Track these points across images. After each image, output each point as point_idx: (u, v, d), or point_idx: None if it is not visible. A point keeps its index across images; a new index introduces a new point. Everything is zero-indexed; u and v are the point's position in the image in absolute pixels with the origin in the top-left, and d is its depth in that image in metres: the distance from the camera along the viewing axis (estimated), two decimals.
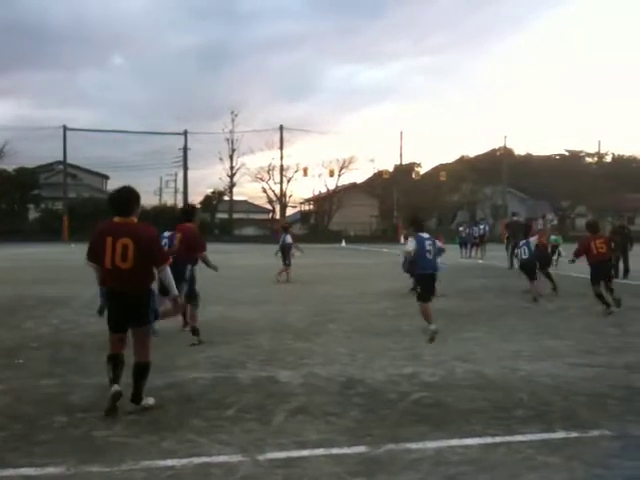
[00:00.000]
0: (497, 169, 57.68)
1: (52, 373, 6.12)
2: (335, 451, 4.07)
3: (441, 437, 4.36)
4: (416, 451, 4.10)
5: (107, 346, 5.13)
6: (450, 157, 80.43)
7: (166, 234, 8.41)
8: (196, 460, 3.87)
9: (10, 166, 52.81)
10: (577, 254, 10.84)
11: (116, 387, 4.82)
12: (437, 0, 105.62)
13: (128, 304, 4.92)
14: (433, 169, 65.49)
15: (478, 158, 63.71)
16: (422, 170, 63.69)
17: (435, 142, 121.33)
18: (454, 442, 4.27)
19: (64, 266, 16.00)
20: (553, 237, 16.89)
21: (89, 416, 4.73)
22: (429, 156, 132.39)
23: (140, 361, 5.00)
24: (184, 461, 3.85)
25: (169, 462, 3.84)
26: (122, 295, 4.93)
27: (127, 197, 5.06)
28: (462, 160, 65.18)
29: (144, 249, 4.86)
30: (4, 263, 21.57)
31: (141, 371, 4.98)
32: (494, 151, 64.63)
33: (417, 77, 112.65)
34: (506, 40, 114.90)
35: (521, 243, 12.64)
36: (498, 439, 4.34)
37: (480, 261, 24.26)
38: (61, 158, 52.71)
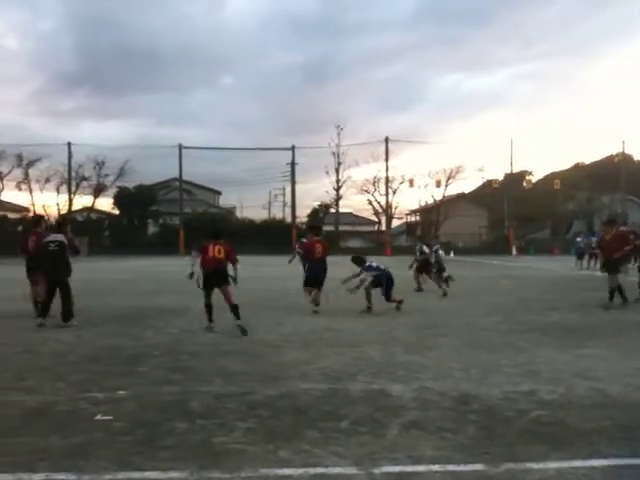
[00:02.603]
0: (615, 176, 54.74)
1: (172, 380, 6.39)
2: (451, 468, 3.98)
3: (562, 457, 4.16)
4: (537, 471, 3.93)
5: (222, 355, 5.35)
6: (564, 164, 77.21)
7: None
8: (312, 470, 3.91)
9: (130, 184, 56.26)
10: None
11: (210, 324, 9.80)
12: (544, 7, 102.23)
13: (218, 275, 9.72)
14: (546, 177, 63.24)
15: (594, 165, 60.81)
16: (534, 178, 61.58)
17: (547, 149, 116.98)
18: (577, 463, 4.06)
19: (179, 278, 16.70)
20: None
21: (208, 423, 4.90)
22: (541, 164, 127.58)
23: (231, 303, 9.64)
24: (300, 471, 3.90)
25: (286, 471, 3.90)
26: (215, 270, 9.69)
27: (219, 229, 10.69)
28: (577, 167, 62.56)
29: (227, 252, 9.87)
30: (125, 275, 22.90)
31: (234, 308, 9.55)
32: (611, 157, 61.52)
33: (525, 84, 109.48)
34: (620, 46, 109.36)
35: None
36: (624, 461, 4.09)
37: (599, 273, 23.01)
38: (177, 175, 55.32)
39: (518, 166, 59.23)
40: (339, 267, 12.99)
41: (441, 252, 17.12)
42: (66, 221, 14.09)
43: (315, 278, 12.59)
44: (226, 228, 48.23)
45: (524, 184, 59.79)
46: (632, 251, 12.77)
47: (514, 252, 48.40)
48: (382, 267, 12.41)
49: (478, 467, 4.00)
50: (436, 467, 3.99)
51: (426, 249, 16.76)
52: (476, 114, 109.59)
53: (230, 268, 10.00)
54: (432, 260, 16.47)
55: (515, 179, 58.32)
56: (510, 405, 5.44)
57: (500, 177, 58.79)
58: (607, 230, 13.30)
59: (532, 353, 7.82)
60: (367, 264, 12.35)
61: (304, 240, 16.06)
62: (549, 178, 60.72)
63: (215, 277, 9.87)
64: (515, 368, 6.96)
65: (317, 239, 13.22)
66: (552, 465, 4.02)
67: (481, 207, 63.47)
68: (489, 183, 59.06)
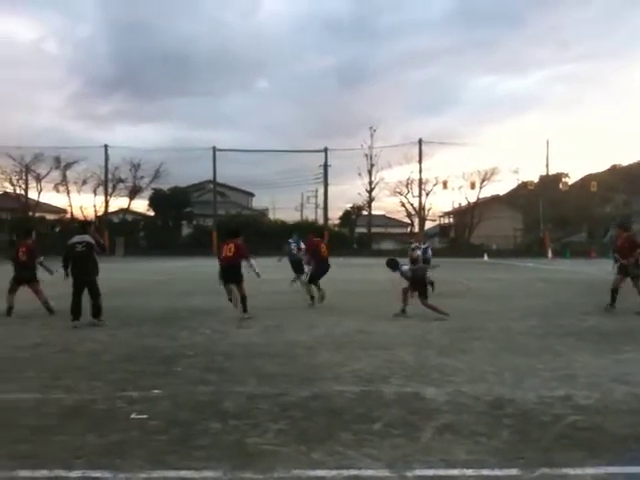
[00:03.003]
0: None
1: (206, 380, 6.44)
2: (485, 472, 3.94)
3: (599, 463, 4.08)
4: (574, 477, 3.87)
5: (256, 356, 6.11)
6: (601, 167, 75.82)
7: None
8: (345, 472, 3.90)
9: (165, 186, 56.99)
10: None
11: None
12: (581, 8, 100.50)
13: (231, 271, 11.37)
14: (582, 179, 62.16)
15: (632, 167, 59.51)
16: (570, 181, 60.55)
17: (583, 151, 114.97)
18: (614, 469, 3.98)
19: (213, 279, 16.98)
20: None
21: (241, 423, 4.93)
22: (577, 166, 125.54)
23: (242, 294, 11.32)
24: (333, 472, 3.90)
25: (319, 472, 3.90)
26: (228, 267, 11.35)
27: (235, 229, 11.98)
28: (614, 169, 61.30)
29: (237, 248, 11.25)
30: (160, 276, 23.19)
31: (243, 299, 11.23)
32: None
33: (561, 86, 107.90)
34: None
35: None
36: None
37: None
38: (211, 177, 55.84)
39: (554, 168, 58.41)
40: (370, 269, 12.97)
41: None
42: (90, 223, 14.98)
43: (322, 275, 13.96)
44: (259, 229, 48.45)
45: (560, 186, 58.78)
46: None
47: (549, 255, 47.69)
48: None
49: (513, 472, 3.95)
50: (470, 471, 3.95)
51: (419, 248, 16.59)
52: (511, 116, 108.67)
53: (247, 264, 11.61)
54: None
55: (551, 181, 57.45)
56: (545, 410, 5.36)
57: (535, 179, 57.91)
58: (619, 234, 13.34)
59: (568, 357, 7.69)
60: (401, 266, 12.24)
61: (292, 241, 17.75)
62: (585, 180, 59.68)
63: (229, 273, 11.42)
64: (551, 372, 6.86)
65: (319, 240, 14.98)
66: (589, 471, 3.95)
67: (516, 209, 62.70)
68: (524, 185, 58.23)
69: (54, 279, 11.62)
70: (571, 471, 3.95)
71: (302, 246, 16.38)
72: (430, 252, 17.61)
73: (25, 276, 11.92)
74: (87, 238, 10.71)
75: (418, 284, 11.76)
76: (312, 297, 13.69)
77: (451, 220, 70.34)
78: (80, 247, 10.54)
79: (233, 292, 11.49)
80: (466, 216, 59.27)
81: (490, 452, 4.30)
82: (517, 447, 4.40)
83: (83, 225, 11.96)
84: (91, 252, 10.63)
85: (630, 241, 12.66)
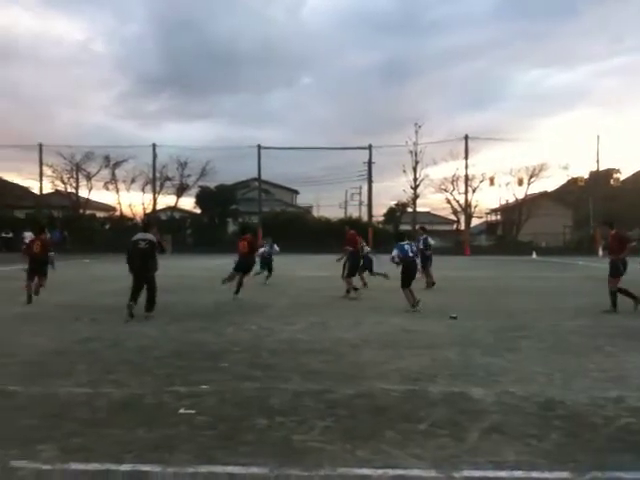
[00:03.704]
0: None
1: (252, 376, 6.50)
2: (535, 475, 3.87)
3: None
4: None
5: (301, 353, 6.33)
6: None
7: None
8: (391, 472, 3.88)
9: (211, 183, 57.63)
10: None
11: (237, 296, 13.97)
12: (636, 1, 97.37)
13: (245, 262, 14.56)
14: (635, 175, 60.25)
15: None
16: (622, 176, 58.79)
17: (636, 147, 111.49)
18: None
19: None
20: None
21: (287, 420, 4.96)
22: (629, 161, 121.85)
23: (241, 282, 14.51)
24: (379, 472, 3.88)
25: (365, 471, 3.90)
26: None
27: (245, 226, 15.08)
28: None
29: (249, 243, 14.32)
30: (206, 273, 23.44)
31: (240, 285, 14.31)
32: None
33: (612, 79, 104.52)
34: None
35: None
36: None
37: None
38: (255, 175, 56.25)
39: (605, 164, 56.78)
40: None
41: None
42: (152, 221, 16.45)
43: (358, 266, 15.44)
44: (303, 226, 48.54)
45: (611, 182, 57.14)
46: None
47: (600, 253, 46.50)
48: (411, 254, 12.60)
49: (564, 475, 3.87)
50: (519, 473, 3.88)
51: (431, 241, 18.23)
52: (560, 111, 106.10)
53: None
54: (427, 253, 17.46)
55: (602, 177, 55.89)
56: (597, 411, 5.23)
57: (585, 175, 56.41)
58: (607, 232, 13.18)
59: (620, 358, 7.49)
60: (402, 243, 12.66)
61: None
62: (638, 176, 57.95)
63: (243, 263, 14.77)
64: (602, 373, 6.69)
65: (354, 232, 15.93)
66: None
67: (565, 206, 61.28)
68: (574, 181, 56.82)
69: (118, 274, 12.01)
70: (624, 475, 3.86)
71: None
72: (427, 244, 17.96)
73: (36, 268, 13.19)
74: (149, 236, 11.31)
75: (407, 270, 12.41)
76: (355, 288, 14.82)
77: (498, 217, 69.19)
78: (143, 244, 11.13)
79: (236, 278, 14.56)
80: (514, 213, 58.16)
81: (540, 454, 4.22)
82: (568, 449, 4.31)
83: (146, 224, 13.24)
84: (152, 249, 11.22)
85: (618, 238, 12.40)
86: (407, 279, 12.37)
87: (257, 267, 17.74)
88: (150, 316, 10.84)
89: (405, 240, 12.80)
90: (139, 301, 10.90)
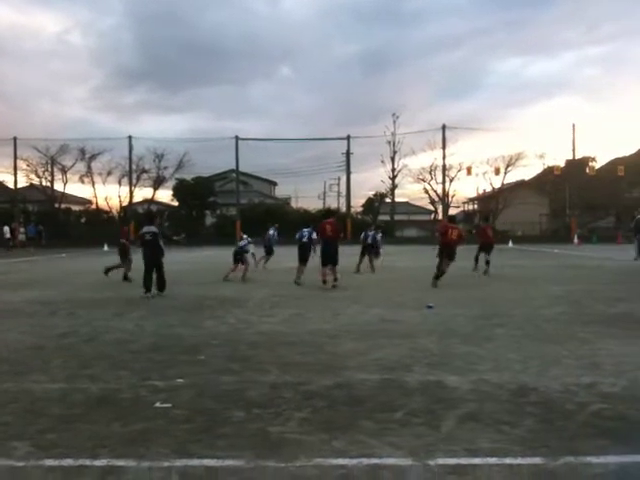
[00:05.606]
0: None
1: (230, 369, 6.48)
2: (509, 461, 3.92)
3: (625, 452, 4.04)
4: (598, 465, 3.83)
5: (280, 345, 5.96)
6: (629, 150, 74.42)
7: (305, 230, 16.47)
8: (366, 461, 3.91)
9: (189, 175, 57.28)
10: None
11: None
12: None
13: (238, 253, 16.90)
14: (609, 163, 61.02)
15: None
16: (597, 165, 59.44)
17: (612, 135, 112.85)
18: (639, 458, 3.94)
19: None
20: None
21: (265, 412, 4.96)
22: (605, 150, 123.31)
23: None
24: (354, 461, 3.91)
25: (340, 461, 3.91)
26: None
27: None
28: None
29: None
30: (185, 266, 23.35)
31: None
32: None
33: (590, 68, 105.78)
34: None
35: None
36: None
37: None
38: (234, 167, 55.96)
39: (581, 152, 57.41)
40: (394, 257, 12.92)
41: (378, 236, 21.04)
42: (155, 215, 19.44)
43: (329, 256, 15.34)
44: (281, 218, 48.65)
45: (587, 171, 57.77)
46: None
47: (575, 241, 47.08)
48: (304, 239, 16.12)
49: (536, 460, 3.92)
50: (493, 460, 3.93)
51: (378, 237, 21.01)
52: (537, 100, 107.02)
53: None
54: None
55: (577, 165, 56.48)
56: (570, 398, 5.31)
57: (562, 164, 56.96)
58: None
59: (595, 345, 7.59)
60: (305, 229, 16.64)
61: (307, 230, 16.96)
62: (613, 164, 58.60)
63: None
64: (576, 360, 6.78)
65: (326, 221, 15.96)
66: (613, 459, 3.90)
67: (542, 195, 61.89)
68: (550, 170, 57.35)
69: (94, 268, 11.97)
70: (595, 459, 3.91)
71: (314, 236, 16.31)
72: (378, 237, 20.96)
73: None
74: (153, 228, 13.49)
75: (301, 249, 16.07)
76: (324, 281, 15.04)
77: (475, 206, 69.72)
78: (148, 236, 13.33)
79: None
80: (491, 202, 58.67)
81: (514, 441, 4.27)
82: (541, 436, 4.37)
83: (150, 218, 14.76)
84: (157, 239, 13.38)
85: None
86: (302, 257, 15.91)
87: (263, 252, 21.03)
88: (162, 295, 12.93)
89: (310, 227, 16.40)
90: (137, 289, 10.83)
